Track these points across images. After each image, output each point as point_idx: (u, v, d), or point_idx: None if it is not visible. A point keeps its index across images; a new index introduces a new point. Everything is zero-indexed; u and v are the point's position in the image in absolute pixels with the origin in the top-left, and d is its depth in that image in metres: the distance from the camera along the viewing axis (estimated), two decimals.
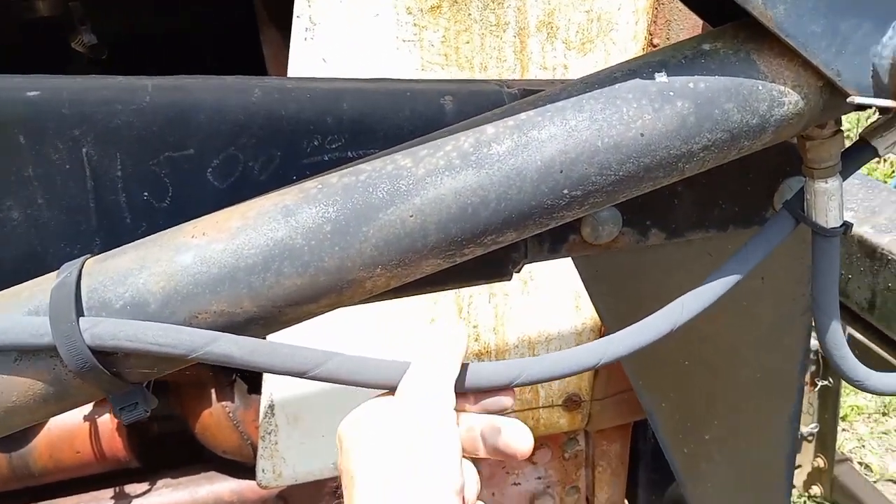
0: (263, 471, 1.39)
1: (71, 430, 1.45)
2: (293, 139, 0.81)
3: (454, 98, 0.87)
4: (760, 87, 0.73)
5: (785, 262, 1.18)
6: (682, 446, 1.41)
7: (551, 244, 1.03)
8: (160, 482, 1.53)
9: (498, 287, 1.33)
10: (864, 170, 1.87)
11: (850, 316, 1.92)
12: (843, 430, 4.24)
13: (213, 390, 1.45)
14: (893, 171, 5.59)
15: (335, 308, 0.77)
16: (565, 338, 1.36)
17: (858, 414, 4.38)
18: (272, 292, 0.72)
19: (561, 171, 0.73)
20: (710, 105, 0.73)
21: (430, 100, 0.86)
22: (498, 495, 1.62)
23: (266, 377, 1.31)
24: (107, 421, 1.46)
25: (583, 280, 1.12)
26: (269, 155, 0.81)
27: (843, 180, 0.90)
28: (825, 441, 3.60)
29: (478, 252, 0.78)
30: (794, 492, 3.79)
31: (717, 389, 1.34)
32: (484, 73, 1.12)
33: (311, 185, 0.74)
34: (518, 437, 0.72)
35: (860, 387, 0.96)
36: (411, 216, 0.72)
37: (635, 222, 1.03)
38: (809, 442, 3.68)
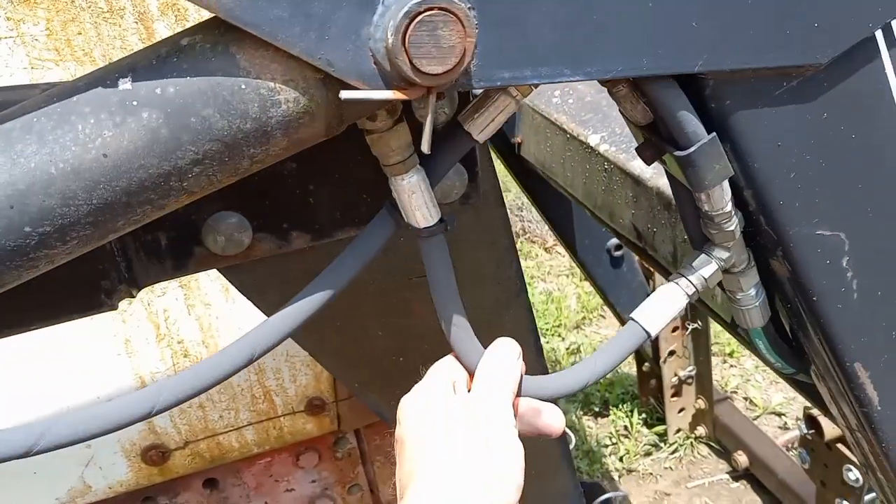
0: None
1: None
2: None
3: None
4: (244, 86, 0.62)
5: (478, 248, 1.09)
6: None
7: (175, 261, 0.91)
8: None
9: (196, 297, 1.22)
10: None
11: (660, 269, 1.87)
12: (732, 366, 4.30)
13: None
14: None
15: None
16: None
17: (745, 349, 4.43)
18: None
19: (11, 207, 0.61)
20: (184, 113, 0.61)
21: None
22: (272, 503, 1.54)
23: None
24: None
25: (242, 293, 1.02)
26: None
27: (446, 171, 0.80)
28: (703, 382, 3.64)
29: None
30: (681, 434, 3.84)
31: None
32: None
33: None
34: (556, 418, 0.86)
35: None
36: None
37: (270, 227, 0.93)
38: (689, 385, 3.72)
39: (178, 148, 0.62)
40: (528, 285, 5.28)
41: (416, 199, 0.75)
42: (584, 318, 4.98)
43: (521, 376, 0.84)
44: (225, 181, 0.67)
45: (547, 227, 3.03)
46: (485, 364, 0.83)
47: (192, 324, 1.22)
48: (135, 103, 0.61)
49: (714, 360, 3.84)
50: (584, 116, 2.03)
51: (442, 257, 0.79)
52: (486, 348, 0.88)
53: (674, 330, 3.55)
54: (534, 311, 1.23)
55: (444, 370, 0.84)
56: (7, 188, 0.60)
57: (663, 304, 0.91)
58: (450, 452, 0.72)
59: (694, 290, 0.91)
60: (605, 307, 4.87)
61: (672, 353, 3.66)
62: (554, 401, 0.89)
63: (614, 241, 3.36)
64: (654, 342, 3.53)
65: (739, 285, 0.96)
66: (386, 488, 1.60)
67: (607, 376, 4.12)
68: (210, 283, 1.23)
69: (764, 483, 3.51)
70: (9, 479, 1.25)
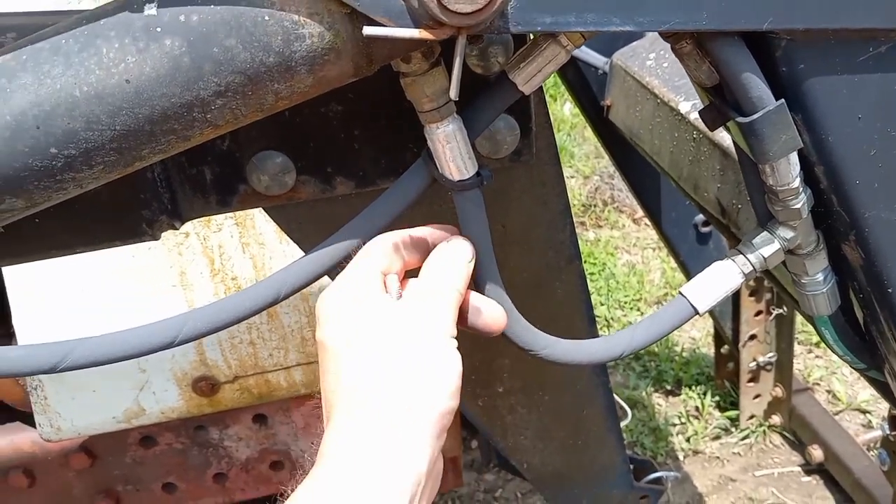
0: (41, 425, 1.35)
1: None
2: None
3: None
4: (268, 18, 0.59)
5: (529, 208, 1.05)
6: (475, 400, 1.32)
7: (219, 196, 0.92)
8: None
9: (250, 236, 1.23)
10: None
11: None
12: (817, 356, 4.09)
13: None
14: None
15: None
16: None
17: None
18: None
19: (38, 127, 0.61)
20: (207, 42, 0.60)
21: None
22: (318, 444, 1.56)
23: (18, 331, 1.26)
24: None
25: (288, 236, 1.01)
26: None
27: (487, 124, 0.76)
28: (783, 370, 3.48)
29: None
30: (755, 421, 3.69)
31: (490, 342, 1.23)
32: None
33: None
34: (496, 314, 0.79)
35: (538, 357, 0.85)
36: None
37: (313, 170, 0.92)
38: (768, 371, 3.57)
39: (201, 78, 0.61)
40: (612, 255, 5.19)
41: (451, 150, 0.72)
42: (666, 293, 4.83)
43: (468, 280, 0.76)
44: (251, 116, 0.66)
45: None
46: (431, 266, 0.74)
47: (247, 262, 1.24)
48: (158, 30, 0.60)
49: (799, 349, 3.65)
50: (678, 82, 1.92)
51: (477, 213, 0.76)
52: (533, 322, 0.84)
53: (757, 314, 3.39)
54: (589, 277, 1.18)
55: (375, 256, 0.74)
56: (34, 108, 0.61)
57: (715, 282, 0.85)
58: (377, 371, 0.66)
59: (751, 268, 0.85)
60: None
61: (753, 337, 3.51)
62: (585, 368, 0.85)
63: (702, 216, 3.22)
64: (735, 325, 3.40)
65: (805, 269, 0.89)
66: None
67: (683, 355, 4.01)
68: (265, 223, 1.24)
69: (838, 480, 3.34)
70: (69, 396, 1.32)
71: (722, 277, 0.85)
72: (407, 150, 0.92)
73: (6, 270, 1.23)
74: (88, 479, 1.54)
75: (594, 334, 1.25)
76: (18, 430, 1.51)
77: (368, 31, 0.57)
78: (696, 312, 0.85)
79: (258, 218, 1.25)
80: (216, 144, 0.88)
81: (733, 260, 0.85)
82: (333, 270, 0.78)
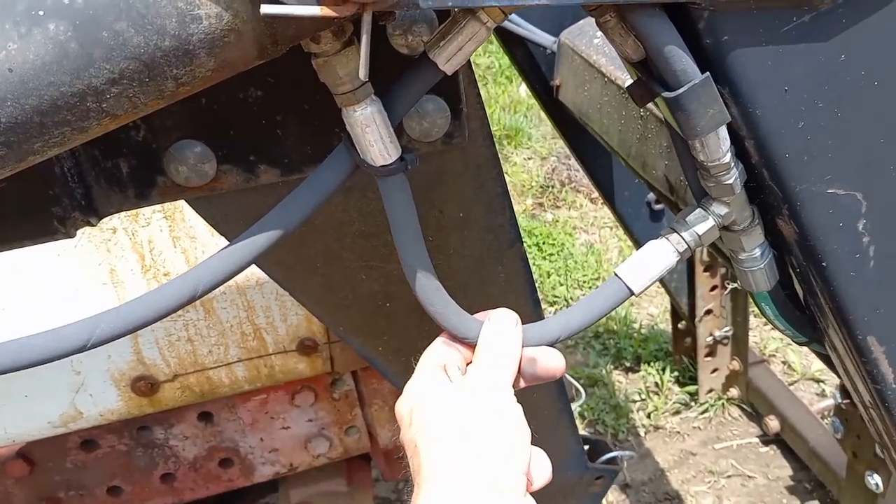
0: None
1: None
2: None
3: None
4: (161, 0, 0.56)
5: (466, 192, 1.03)
6: None
7: (137, 190, 0.88)
8: None
9: (181, 229, 1.19)
10: None
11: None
12: (771, 328, 4.16)
13: None
14: None
15: None
16: None
17: None
18: None
19: None
20: (95, 26, 0.56)
21: None
22: (268, 440, 1.53)
23: None
24: None
25: (214, 228, 0.98)
26: None
27: (409, 106, 0.73)
28: (739, 343, 3.53)
29: None
30: (713, 395, 3.74)
31: (436, 332, 1.21)
32: None
33: None
34: (554, 360, 0.82)
35: (471, 343, 0.83)
36: None
37: (235, 158, 0.88)
38: (725, 345, 3.62)
39: (91, 65, 0.57)
40: (570, 236, 5.19)
41: (371, 134, 0.69)
42: None
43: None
44: (152, 105, 0.62)
45: None
46: (484, 341, 0.80)
47: (179, 256, 1.20)
48: (41, 13, 0.55)
49: (754, 322, 3.71)
50: None
51: (402, 199, 0.73)
52: (475, 307, 0.83)
53: (712, 289, 3.43)
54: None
55: (430, 358, 0.82)
56: None
57: (650, 261, 0.84)
58: (457, 446, 0.71)
59: (686, 247, 0.84)
60: None
61: (709, 311, 3.55)
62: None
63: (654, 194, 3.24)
64: (691, 300, 3.43)
65: (741, 245, 0.88)
66: (384, 431, 1.58)
67: (642, 332, 4.05)
68: (196, 216, 1.19)
69: (794, 449, 3.41)
70: (1, 403, 1.27)
71: (656, 257, 0.84)
72: (333, 136, 0.88)
73: None
74: (28, 486, 1.48)
75: (539, 317, 1.23)
76: None
77: (266, 9, 0.54)
78: (632, 293, 0.83)
79: (188, 211, 1.20)
80: (131, 135, 0.84)
81: (667, 238, 0.84)
82: (255, 263, 0.75)
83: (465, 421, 0.73)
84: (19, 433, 1.30)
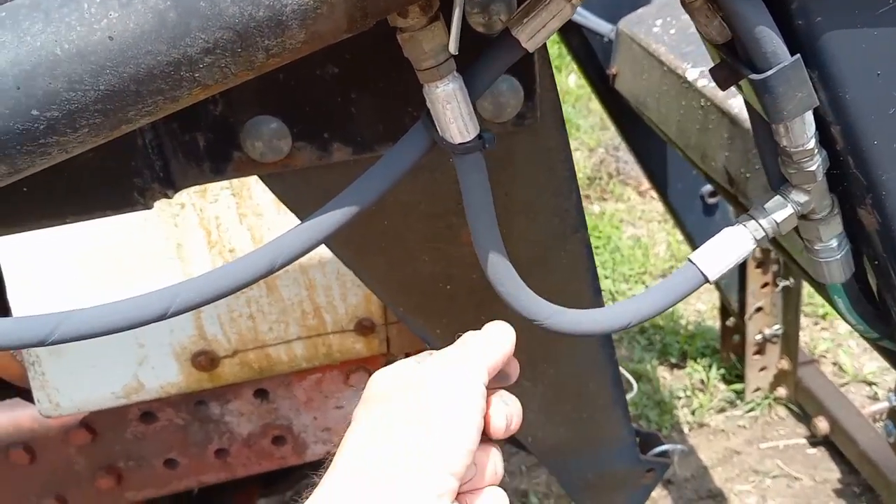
0: (40, 401, 1.34)
1: None
2: None
3: None
4: None
5: (534, 175, 1.02)
6: None
7: (213, 164, 0.89)
8: None
9: (248, 207, 1.21)
10: None
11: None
12: (823, 329, 4.06)
13: None
14: None
15: None
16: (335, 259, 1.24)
17: None
18: None
19: (18, 88, 0.58)
20: None
21: None
22: (321, 418, 1.55)
23: (13, 306, 1.24)
24: None
25: (285, 205, 0.99)
26: None
27: (489, 84, 0.73)
28: (789, 342, 3.46)
29: None
30: (760, 394, 3.68)
31: (495, 313, 1.21)
32: None
33: None
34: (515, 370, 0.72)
35: (542, 326, 0.82)
36: None
37: (310, 135, 0.89)
38: (774, 343, 3.55)
39: (187, 34, 0.58)
40: (616, 229, 5.15)
41: (452, 111, 0.69)
42: (671, 266, 4.80)
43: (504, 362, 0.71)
44: (241, 76, 0.63)
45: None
46: (470, 334, 0.72)
47: (244, 233, 1.22)
48: None
49: (805, 322, 3.63)
50: (685, 49, 1.88)
51: (478, 178, 0.73)
52: (537, 293, 0.80)
53: (763, 286, 3.37)
54: (594, 250, 1.16)
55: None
56: (14, 68, 0.58)
57: (726, 248, 0.82)
58: (381, 425, 0.59)
59: (763, 234, 0.82)
60: None
61: (759, 309, 3.49)
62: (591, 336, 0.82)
63: (709, 187, 3.19)
64: (741, 297, 3.38)
65: (818, 234, 0.86)
66: None
67: (689, 328, 3.99)
68: (263, 193, 1.21)
69: (843, 452, 3.34)
70: (67, 371, 1.31)
71: (732, 244, 0.83)
72: (406, 115, 0.89)
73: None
74: (90, 454, 1.53)
75: (600, 305, 1.22)
76: (18, 406, 1.50)
77: None
78: (706, 280, 0.82)
79: (255, 188, 1.22)
80: (209, 109, 0.85)
81: (744, 225, 0.83)
82: (329, 240, 0.75)
83: (403, 396, 0.61)
84: (84, 402, 1.34)
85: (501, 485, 0.66)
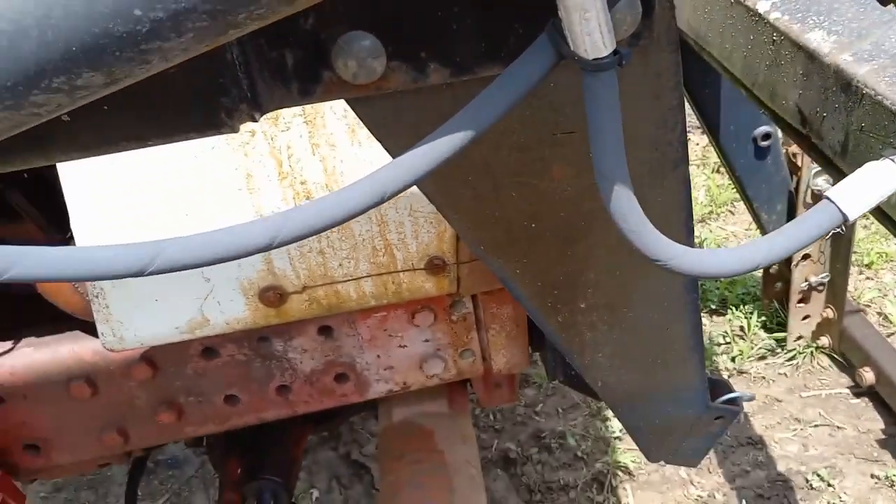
0: (103, 334, 1.31)
1: None
2: None
3: None
4: None
5: (640, 102, 0.94)
6: (555, 315, 1.24)
7: (301, 85, 0.82)
8: (23, 342, 1.49)
9: (321, 136, 1.14)
10: None
11: (824, 161, 1.67)
12: (868, 278, 3.97)
13: None
14: None
15: None
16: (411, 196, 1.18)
17: (886, 262, 4.08)
18: None
19: None
20: None
21: None
22: (384, 357, 1.51)
23: (76, 233, 1.19)
24: None
25: (370, 131, 0.92)
26: None
27: None
28: (836, 291, 3.38)
29: (63, 102, 0.59)
30: (802, 342, 3.62)
31: (580, 254, 1.14)
32: None
33: None
34: None
35: (664, 267, 0.76)
36: None
37: (405, 55, 0.81)
38: (819, 292, 3.47)
39: None
40: None
41: (589, 21, 0.61)
42: (711, 211, 4.70)
43: None
44: None
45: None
46: None
47: (316, 165, 1.15)
48: None
49: (850, 271, 3.55)
50: None
51: (610, 100, 0.66)
52: None
53: None
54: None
55: None
56: None
57: (868, 185, 0.75)
58: None
59: None
60: (735, 203, 4.57)
61: (806, 256, 3.40)
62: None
63: (762, 129, 3.08)
64: None
65: None
66: (499, 357, 1.55)
67: None
68: (336, 122, 1.14)
69: (889, 403, 3.29)
70: (132, 305, 1.27)
71: (876, 180, 0.75)
72: (511, 33, 0.80)
73: (63, 171, 1.16)
74: (150, 389, 1.51)
75: (691, 247, 1.15)
76: (79, 339, 1.47)
77: None
78: (846, 219, 0.75)
79: (329, 116, 1.15)
80: (298, 24, 0.78)
81: (892, 160, 0.75)
82: (443, 166, 0.69)
83: None
84: (148, 336, 1.30)
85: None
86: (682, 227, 1.10)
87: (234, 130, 0.80)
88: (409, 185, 0.67)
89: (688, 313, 1.28)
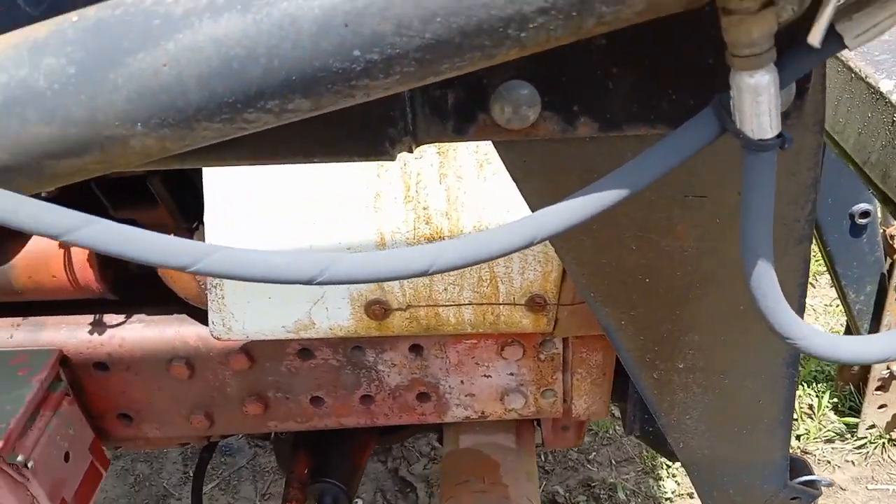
0: (214, 323, 1.38)
1: (47, 254, 1.50)
2: None
3: None
4: None
5: (777, 178, 0.96)
6: (651, 371, 1.26)
7: (456, 123, 0.87)
8: (135, 317, 1.58)
9: (450, 167, 1.19)
10: None
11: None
12: None
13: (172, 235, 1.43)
14: None
15: (113, 167, 0.68)
16: None
17: None
18: (21, 140, 0.63)
19: (346, 25, 0.57)
20: None
21: None
22: (467, 384, 1.54)
23: (207, 230, 1.27)
24: (79, 251, 1.50)
25: (509, 173, 0.96)
26: None
27: (796, 77, 0.68)
28: None
29: (269, 121, 0.65)
30: (874, 431, 3.49)
31: (688, 315, 1.16)
32: None
33: (70, 17, 0.63)
34: None
35: (795, 347, 0.77)
36: (165, 65, 0.60)
37: (559, 106, 0.85)
38: None
39: None
40: None
41: (760, 104, 0.64)
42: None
43: None
44: (561, 40, 0.60)
45: None
46: None
47: (441, 193, 1.20)
48: None
49: None
50: (879, 56, 1.74)
51: (767, 178, 0.68)
52: (740, 298, 0.75)
53: None
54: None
55: None
56: (346, 4, 0.57)
57: None
58: None
59: None
60: (818, 276, 4.45)
61: None
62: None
63: (862, 206, 3.01)
64: (875, 326, 3.19)
65: None
66: (580, 401, 1.56)
67: None
68: (467, 156, 1.19)
69: None
70: (245, 299, 1.34)
71: None
72: (665, 98, 0.84)
73: (207, 170, 1.24)
74: (243, 380, 1.58)
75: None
76: (185, 322, 1.55)
77: None
78: None
79: (461, 149, 1.20)
80: None
81: None
82: (594, 219, 0.72)
83: None
84: (255, 331, 1.37)
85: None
86: (795, 302, 1.10)
87: (393, 159, 0.86)
88: (561, 233, 0.71)
89: (783, 388, 1.27)
